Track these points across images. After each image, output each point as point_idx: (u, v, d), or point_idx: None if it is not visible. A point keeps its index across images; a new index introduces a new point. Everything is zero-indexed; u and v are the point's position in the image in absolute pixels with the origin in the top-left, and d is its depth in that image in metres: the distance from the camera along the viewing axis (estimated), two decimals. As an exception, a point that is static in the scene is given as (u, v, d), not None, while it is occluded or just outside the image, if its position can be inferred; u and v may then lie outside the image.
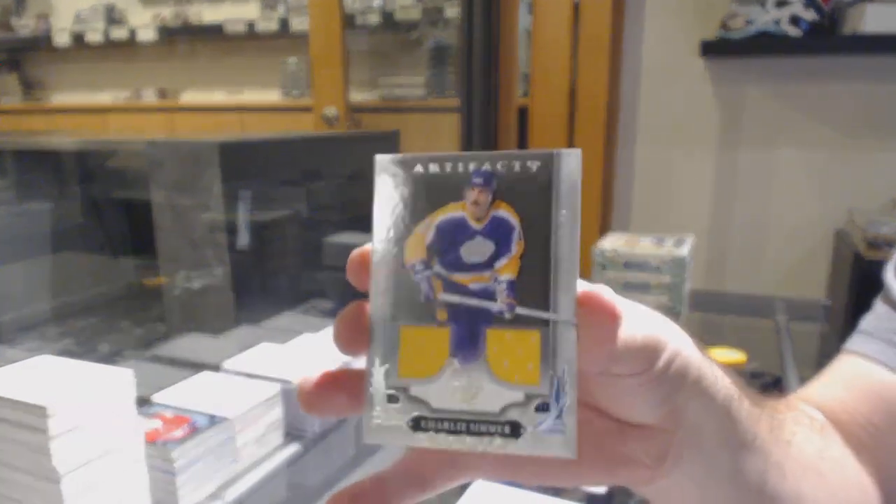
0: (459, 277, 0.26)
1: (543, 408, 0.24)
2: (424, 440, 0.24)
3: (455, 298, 0.25)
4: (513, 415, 0.24)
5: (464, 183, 0.26)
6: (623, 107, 2.16)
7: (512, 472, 0.30)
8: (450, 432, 0.24)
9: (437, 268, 0.26)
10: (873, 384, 0.49)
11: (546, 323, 0.24)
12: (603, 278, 1.32)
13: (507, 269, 0.25)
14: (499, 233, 0.26)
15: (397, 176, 0.27)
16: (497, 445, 0.24)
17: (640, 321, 0.26)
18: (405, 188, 0.27)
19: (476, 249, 0.26)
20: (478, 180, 0.26)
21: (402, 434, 0.24)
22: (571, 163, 0.25)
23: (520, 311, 0.25)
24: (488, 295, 0.25)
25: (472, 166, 0.26)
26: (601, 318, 0.24)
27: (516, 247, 0.25)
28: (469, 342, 0.25)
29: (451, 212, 0.26)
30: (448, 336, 0.25)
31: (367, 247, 0.26)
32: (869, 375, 0.49)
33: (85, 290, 1.55)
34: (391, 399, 0.25)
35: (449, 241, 0.26)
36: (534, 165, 0.26)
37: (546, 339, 0.24)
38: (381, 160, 0.27)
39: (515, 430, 0.24)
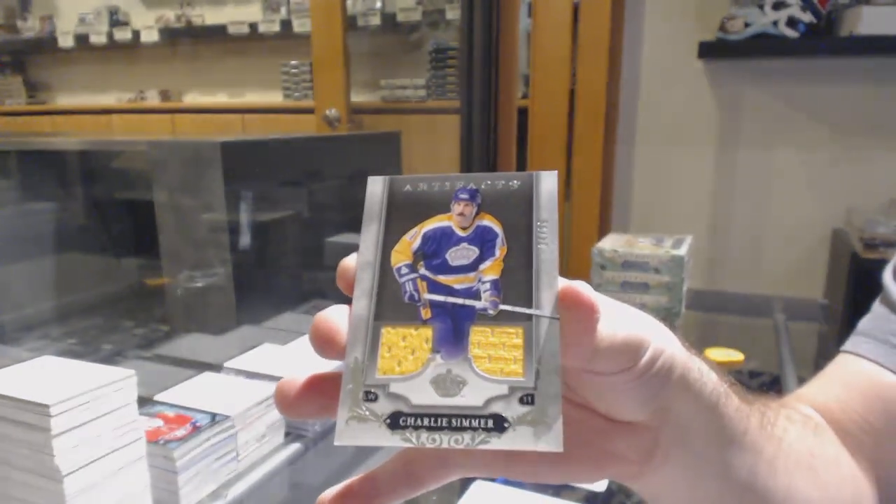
0: (445, 279, 0.26)
1: (528, 400, 0.24)
2: (400, 439, 0.24)
3: (440, 297, 0.26)
4: (496, 408, 0.24)
5: (450, 198, 0.28)
6: (622, 108, 2.16)
7: (503, 468, 0.31)
8: (430, 428, 0.24)
9: (423, 270, 0.27)
10: (871, 385, 0.49)
11: (529, 318, 0.25)
12: (602, 278, 1.33)
13: (491, 271, 0.26)
14: (483, 239, 0.27)
15: (387, 193, 0.28)
16: (480, 441, 0.23)
17: (621, 319, 0.26)
18: (394, 203, 0.28)
19: (461, 254, 0.27)
20: (463, 195, 0.28)
21: (377, 433, 0.24)
22: (549, 181, 0.27)
23: (503, 307, 0.25)
24: (473, 295, 0.26)
25: (458, 185, 0.28)
26: (580, 312, 0.24)
27: (500, 251, 0.26)
28: (453, 338, 0.25)
29: (437, 222, 0.27)
30: (431, 334, 0.25)
31: (355, 255, 0.27)
32: (867, 376, 0.49)
33: (87, 290, 1.55)
34: (369, 397, 0.24)
35: (435, 246, 0.27)
36: (515, 184, 0.28)
37: (529, 334, 0.25)
38: (373, 180, 0.29)
39: (499, 423, 0.23)
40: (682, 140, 2.11)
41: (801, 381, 0.56)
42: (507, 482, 0.81)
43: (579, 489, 0.81)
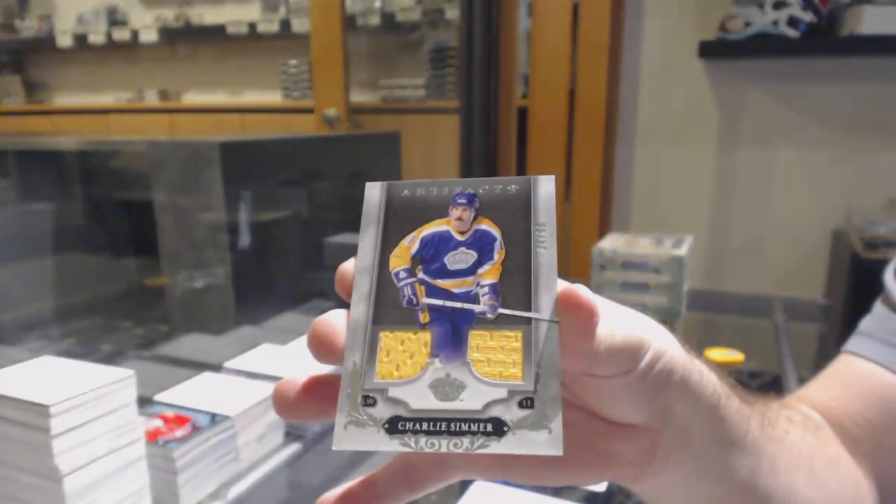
0: (443, 283, 0.26)
1: (527, 403, 0.24)
2: (399, 443, 0.24)
3: (438, 301, 0.26)
4: (496, 411, 0.24)
5: (448, 203, 0.28)
6: (622, 107, 2.16)
7: (503, 471, 0.31)
8: (429, 433, 0.24)
9: (422, 275, 0.27)
10: (871, 384, 0.49)
11: (528, 322, 0.25)
12: (602, 278, 1.33)
13: (489, 274, 0.26)
14: (481, 243, 0.27)
15: (385, 198, 0.28)
16: (479, 445, 0.23)
17: (621, 321, 0.26)
18: (392, 208, 0.28)
19: (460, 258, 0.27)
20: (461, 200, 0.28)
21: (376, 438, 0.24)
22: (547, 185, 0.27)
23: (502, 311, 0.25)
24: (471, 298, 0.26)
25: (455, 189, 0.28)
26: (579, 315, 0.24)
27: (498, 255, 0.26)
28: (451, 342, 0.25)
29: (435, 226, 0.27)
30: (430, 338, 0.25)
31: (353, 260, 0.27)
32: (867, 376, 0.50)
33: (87, 290, 1.55)
34: (367, 401, 0.24)
35: (433, 251, 0.27)
36: (513, 188, 0.28)
37: (528, 338, 0.25)
38: (371, 186, 0.29)
39: (498, 427, 0.23)
40: (683, 140, 2.11)
41: (802, 381, 0.56)
42: (507, 482, 0.81)
43: (579, 489, 0.81)
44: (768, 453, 0.36)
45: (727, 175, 2.07)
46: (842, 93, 1.92)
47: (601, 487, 0.81)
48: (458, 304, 0.26)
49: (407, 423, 0.24)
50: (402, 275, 0.27)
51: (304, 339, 1.08)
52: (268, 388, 0.90)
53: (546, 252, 0.26)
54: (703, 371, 0.31)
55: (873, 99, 1.89)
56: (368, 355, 0.25)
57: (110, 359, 1.24)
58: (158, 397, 0.87)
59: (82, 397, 0.67)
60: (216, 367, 0.98)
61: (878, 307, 0.54)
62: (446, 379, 0.24)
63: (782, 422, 0.40)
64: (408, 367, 0.25)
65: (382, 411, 0.24)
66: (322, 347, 0.25)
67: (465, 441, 0.23)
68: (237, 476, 0.84)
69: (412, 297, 0.26)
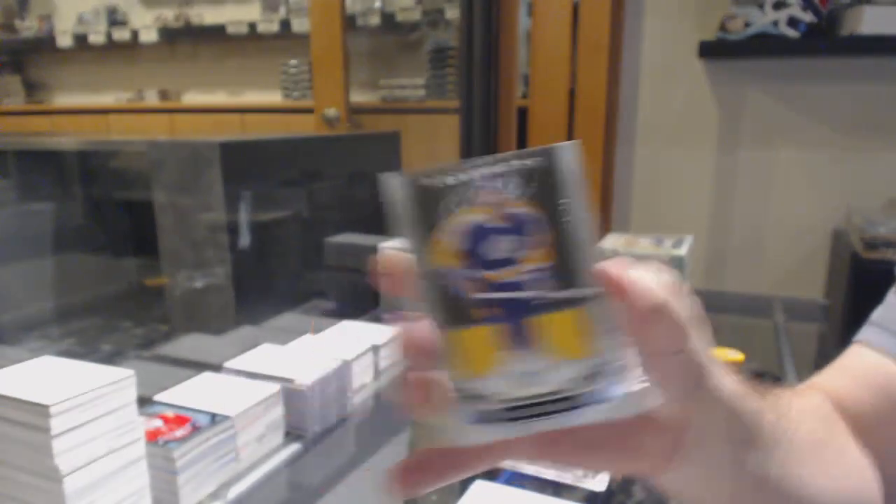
0: (490, 275, 0.26)
1: (601, 375, 0.25)
2: (490, 434, 0.26)
3: (492, 295, 0.26)
4: (573, 387, 0.25)
5: (474, 188, 0.27)
6: (622, 108, 2.16)
7: (544, 452, 0.31)
8: (514, 420, 0.25)
9: (467, 270, 0.26)
10: (881, 374, 0.50)
11: (582, 300, 0.26)
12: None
13: (533, 259, 0.26)
14: (517, 228, 0.26)
15: (406, 191, 0.27)
16: (569, 420, 0.25)
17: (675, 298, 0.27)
18: (417, 201, 0.27)
19: (499, 246, 0.26)
20: (488, 184, 0.27)
21: (471, 432, 0.26)
22: (569, 154, 0.26)
23: (553, 294, 0.26)
24: (521, 287, 0.26)
25: (478, 173, 0.27)
26: (615, 289, 0.25)
27: (538, 237, 0.26)
28: (515, 333, 0.26)
29: (468, 215, 0.27)
30: (494, 332, 0.26)
31: (391, 253, 0.27)
32: (877, 365, 0.50)
33: (87, 290, 1.55)
34: (466, 399, 0.26)
35: (471, 242, 0.27)
36: (535, 162, 0.26)
37: (586, 315, 0.26)
38: (391, 181, 0.27)
39: (581, 400, 0.25)
40: (683, 140, 2.11)
41: (801, 381, 0.56)
42: (507, 482, 0.80)
43: (580, 489, 0.81)
44: (780, 446, 0.37)
45: (727, 175, 2.07)
46: (842, 93, 1.92)
47: (601, 487, 0.81)
48: (512, 295, 0.26)
49: (492, 415, 0.26)
50: (450, 272, 0.27)
51: (304, 339, 1.08)
52: (268, 388, 0.90)
53: (582, 227, 0.26)
54: (722, 370, 0.32)
55: (873, 99, 1.89)
56: (442, 358, 0.27)
57: (110, 359, 1.24)
58: (158, 397, 0.87)
59: (82, 397, 0.67)
60: (216, 367, 0.98)
61: (892, 297, 0.54)
62: (519, 368, 0.26)
63: (794, 413, 0.40)
64: (481, 364, 0.26)
65: (467, 409, 0.26)
66: (418, 355, 0.27)
67: (566, 417, 0.26)
68: (237, 476, 0.84)
69: (464, 294, 0.27)
